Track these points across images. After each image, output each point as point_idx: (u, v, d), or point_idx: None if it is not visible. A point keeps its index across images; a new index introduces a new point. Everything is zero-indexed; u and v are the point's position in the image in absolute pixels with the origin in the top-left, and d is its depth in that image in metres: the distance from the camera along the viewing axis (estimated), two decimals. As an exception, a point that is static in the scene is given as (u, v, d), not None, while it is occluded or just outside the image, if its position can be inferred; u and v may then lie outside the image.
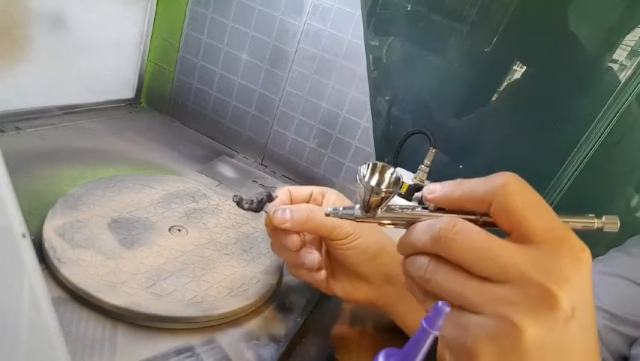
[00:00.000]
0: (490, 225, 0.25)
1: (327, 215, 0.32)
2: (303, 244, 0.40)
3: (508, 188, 0.24)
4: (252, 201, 0.38)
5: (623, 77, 0.54)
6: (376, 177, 0.28)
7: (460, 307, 0.24)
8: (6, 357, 0.20)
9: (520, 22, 0.57)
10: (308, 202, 0.42)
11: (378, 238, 0.41)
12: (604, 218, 0.26)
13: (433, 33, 0.62)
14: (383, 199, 0.28)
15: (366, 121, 0.67)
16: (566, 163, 0.59)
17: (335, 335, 0.45)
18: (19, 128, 0.56)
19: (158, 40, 0.75)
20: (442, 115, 0.65)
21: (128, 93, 0.78)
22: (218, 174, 0.67)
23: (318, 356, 0.41)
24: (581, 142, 0.57)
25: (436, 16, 0.61)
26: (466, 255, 0.24)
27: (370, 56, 0.64)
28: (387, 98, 0.67)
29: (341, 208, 0.31)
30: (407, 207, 0.29)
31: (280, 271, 0.47)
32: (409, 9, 0.62)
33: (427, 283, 0.25)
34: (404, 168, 0.61)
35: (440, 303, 0.26)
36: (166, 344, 0.35)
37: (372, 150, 0.68)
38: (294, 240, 0.39)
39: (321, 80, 0.68)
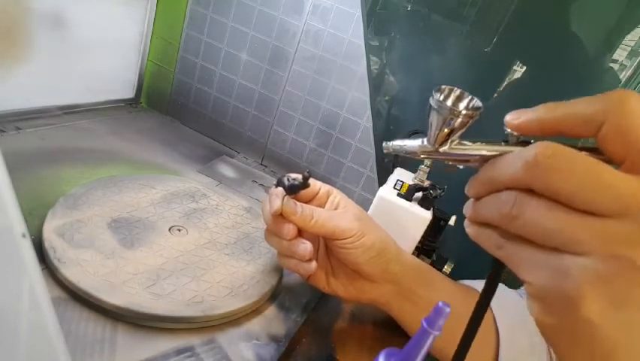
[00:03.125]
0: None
1: (386, 149, 0.28)
2: (298, 235, 0.40)
3: (628, 105, 0.19)
4: (295, 179, 0.38)
5: (623, 77, 0.54)
6: (451, 100, 0.24)
7: (556, 248, 0.20)
8: (6, 357, 0.20)
9: (520, 22, 0.57)
10: (313, 198, 0.43)
11: (382, 236, 0.41)
12: None
13: (433, 33, 0.62)
14: (455, 129, 0.23)
15: (366, 121, 0.67)
16: (566, 163, 0.58)
17: (335, 335, 0.45)
18: (19, 128, 0.56)
19: (158, 40, 0.75)
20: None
21: (128, 93, 0.78)
22: (218, 174, 0.67)
23: (318, 356, 0.41)
24: (581, 142, 0.57)
25: (436, 16, 0.61)
26: (570, 183, 0.19)
27: (370, 56, 0.64)
28: (387, 98, 0.67)
29: (402, 142, 0.27)
30: (480, 141, 0.24)
31: (280, 271, 0.47)
32: (409, 9, 0.62)
33: (514, 220, 0.21)
34: (404, 168, 0.61)
35: (440, 303, 0.26)
36: (166, 344, 0.35)
37: (372, 150, 0.68)
38: (290, 228, 0.39)
39: (321, 80, 0.68)
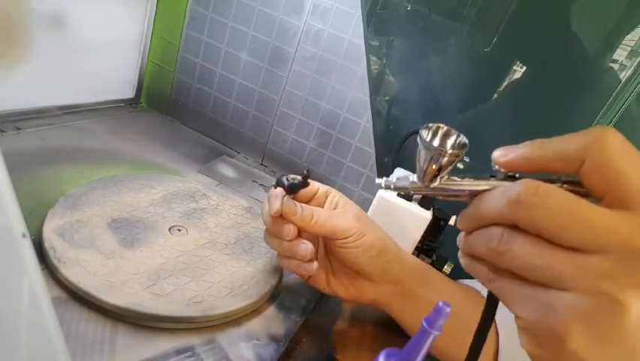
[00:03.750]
0: (573, 192, 0.21)
1: (379, 186, 0.29)
2: (298, 236, 0.40)
3: (607, 143, 0.20)
4: (294, 178, 0.38)
5: (623, 77, 0.54)
6: (438, 140, 0.24)
7: (542, 283, 0.21)
8: (6, 357, 0.20)
9: (520, 22, 0.57)
10: (312, 198, 0.43)
11: (381, 235, 0.41)
12: None
13: (433, 33, 0.62)
14: (443, 166, 0.24)
15: (366, 121, 0.67)
16: (566, 163, 0.58)
17: (335, 335, 0.45)
18: (19, 128, 0.56)
19: (158, 40, 0.75)
20: (443, 115, 0.65)
21: (128, 93, 0.78)
22: (218, 174, 0.67)
23: (318, 356, 0.41)
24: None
25: (436, 16, 0.61)
26: (552, 221, 0.20)
27: (370, 56, 0.64)
28: (387, 98, 0.67)
29: (394, 179, 0.28)
30: (469, 177, 0.25)
31: (280, 271, 0.47)
32: (409, 9, 0.62)
33: (501, 256, 0.22)
34: (404, 168, 0.61)
35: (440, 303, 0.26)
36: (166, 344, 0.35)
37: (372, 150, 0.68)
38: (291, 229, 0.39)
39: (321, 80, 0.68)
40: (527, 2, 0.56)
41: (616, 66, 0.54)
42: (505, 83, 0.60)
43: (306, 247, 0.39)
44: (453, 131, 0.25)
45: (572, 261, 0.20)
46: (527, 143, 0.23)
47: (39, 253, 0.37)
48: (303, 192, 0.41)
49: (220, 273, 0.43)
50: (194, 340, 0.36)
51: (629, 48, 0.53)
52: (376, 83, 0.66)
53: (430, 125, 0.25)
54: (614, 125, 0.55)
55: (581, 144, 0.21)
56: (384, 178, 0.28)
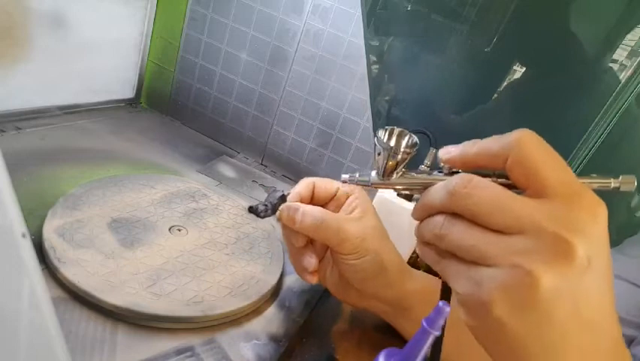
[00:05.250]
0: (505, 186, 0.25)
1: (344, 182, 0.32)
2: (309, 243, 0.40)
3: (524, 142, 0.24)
4: (266, 206, 0.38)
5: (623, 77, 0.54)
6: (394, 140, 0.28)
7: (473, 262, 0.24)
8: (6, 357, 0.20)
9: (520, 22, 0.57)
10: (331, 200, 0.42)
11: (380, 260, 0.39)
12: (620, 178, 0.26)
13: (433, 33, 0.62)
14: (399, 163, 0.28)
15: (366, 121, 0.67)
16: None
17: (335, 335, 0.45)
18: (19, 128, 0.56)
19: (158, 40, 0.75)
20: (443, 115, 0.65)
21: (128, 93, 0.78)
22: (218, 174, 0.67)
23: (318, 356, 0.41)
24: (581, 142, 0.57)
25: (436, 16, 0.61)
26: (481, 208, 0.23)
27: (370, 56, 0.64)
28: (387, 98, 0.67)
29: (357, 175, 0.31)
30: (423, 172, 0.29)
31: (280, 271, 0.47)
32: (409, 9, 0.62)
33: (442, 240, 0.25)
34: (404, 168, 0.61)
35: (440, 303, 0.26)
36: (166, 344, 0.35)
37: (372, 150, 0.68)
38: (299, 238, 0.39)
39: (321, 80, 0.68)
40: (527, 2, 0.56)
41: (616, 66, 0.54)
42: (505, 83, 0.60)
43: (310, 261, 0.40)
44: (406, 132, 0.29)
45: (498, 241, 0.23)
46: (465, 142, 0.27)
47: (39, 253, 0.37)
48: (322, 192, 0.41)
49: (220, 273, 0.43)
50: (194, 340, 0.36)
51: (629, 48, 0.53)
52: (376, 83, 0.66)
53: (387, 127, 0.29)
54: (614, 126, 0.55)
55: (504, 143, 0.24)
56: (349, 174, 0.32)
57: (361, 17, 0.62)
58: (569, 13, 0.55)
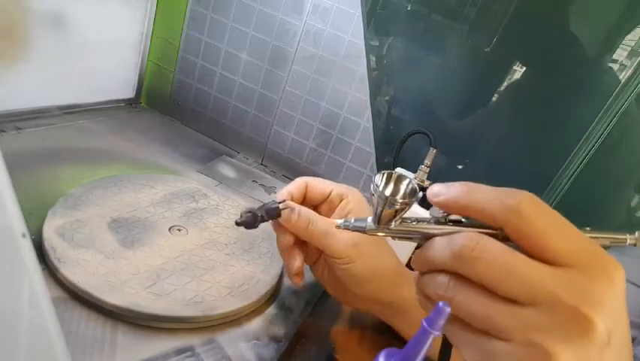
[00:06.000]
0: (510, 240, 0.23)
1: (338, 227, 0.30)
2: (297, 244, 0.40)
3: (523, 213, 0.22)
4: (255, 216, 0.38)
5: (623, 77, 0.54)
6: (391, 186, 0.26)
7: (484, 331, 0.22)
8: (6, 357, 0.20)
9: (520, 22, 0.57)
10: (324, 202, 0.41)
11: (374, 265, 0.39)
12: (636, 233, 0.24)
13: (433, 33, 0.62)
14: (397, 211, 0.26)
15: (366, 121, 0.67)
16: (566, 163, 0.58)
17: (335, 335, 0.45)
18: (19, 128, 0.56)
19: (158, 40, 0.75)
20: (443, 115, 0.65)
21: (128, 93, 0.78)
22: (218, 174, 0.67)
23: (318, 356, 0.41)
24: (581, 142, 0.57)
25: (436, 16, 0.61)
26: (490, 275, 0.22)
27: (370, 56, 0.64)
28: (387, 98, 0.67)
29: (352, 220, 0.29)
30: (423, 220, 0.27)
31: (280, 271, 0.47)
32: (409, 9, 0.62)
33: (448, 302, 0.23)
34: (404, 168, 0.61)
35: (441, 303, 0.26)
36: (166, 344, 0.35)
37: (372, 150, 0.68)
38: (287, 237, 0.39)
39: (321, 80, 0.68)
40: (527, 2, 0.56)
41: (616, 66, 0.54)
42: (505, 83, 0.60)
43: (294, 263, 0.39)
44: (404, 177, 0.26)
45: (509, 312, 0.21)
46: (458, 185, 0.24)
47: (39, 253, 0.37)
48: (315, 192, 0.40)
49: (220, 273, 0.43)
50: (194, 340, 0.36)
51: (629, 48, 0.53)
52: (376, 83, 0.66)
53: (384, 171, 0.26)
54: (614, 126, 0.55)
55: (500, 209, 0.22)
56: (344, 219, 0.30)
57: (361, 17, 0.62)
58: (569, 13, 0.55)
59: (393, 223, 0.27)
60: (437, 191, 0.25)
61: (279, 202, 0.38)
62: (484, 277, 0.22)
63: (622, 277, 0.21)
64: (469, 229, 0.24)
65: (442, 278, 0.24)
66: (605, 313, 0.20)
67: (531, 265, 0.21)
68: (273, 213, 0.38)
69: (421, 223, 0.26)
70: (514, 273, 0.21)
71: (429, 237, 0.26)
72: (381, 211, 0.26)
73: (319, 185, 0.41)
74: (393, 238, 0.28)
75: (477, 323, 0.22)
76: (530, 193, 0.22)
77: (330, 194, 0.41)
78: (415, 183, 0.26)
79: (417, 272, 0.27)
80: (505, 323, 0.21)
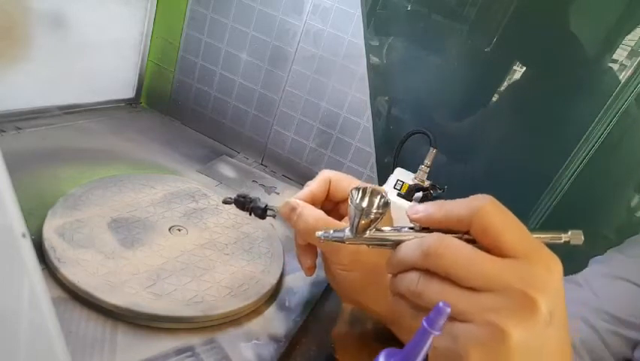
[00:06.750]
0: (472, 242, 0.27)
1: (319, 238, 0.32)
2: (309, 244, 0.40)
3: (485, 211, 0.26)
4: (244, 199, 0.39)
5: (623, 77, 0.54)
6: (367, 200, 0.30)
7: (450, 318, 0.25)
8: (6, 357, 0.20)
9: (520, 22, 0.57)
10: (346, 200, 0.41)
11: (372, 275, 0.39)
12: (569, 232, 0.28)
13: (433, 33, 0.62)
14: (372, 221, 0.29)
15: (366, 121, 0.67)
16: (566, 163, 0.58)
17: (335, 335, 0.45)
18: (19, 128, 0.56)
19: (158, 40, 0.75)
20: (443, 115, 0.65)
21: (128, 93, 0.78)
22: (218, 174, 0.66)
23: (318, 356, 0.41)
24: (581, 142, 0.57)
25: (436, 16, 0.61)
26: (455, 268, 0.25)
27: (370, 55, 0.64)
28: (387, 98, 0.67)
29: (332, 231, 0.32)
30: (395, 228, 0.30)
31: (280, 271, 0.47)
32: (409, 9, 0.62)
33: (418, 296, 0.27)
34: (404, 168, 0.61)
35: (441, 303, 0.26)
36: (166, 344, 0.35)
37: (372, 150, 0.68)
38: (297, 236, 0.40)
39: (321, 80, 0.68)
40: (527, 2, 0.56)
41: (616, 66, 0.54)
42: (505, 83, 0.60)
43: (306, 260, 0.41)
44: (379, 191, 0.30)
45: (470, 298, 0.25)
46: (432, 204, 0.28)
47: (39, 253, 0.37)
48: (337, 190, 0.41)
49: (220, 273, 0.43)
50: (194, 340, 0.36)
51: (629, 48, 0.53)
52: (376, 83, 0.66)
53: (360, 186, 0.30)
54: (614, 126, 0.55)
55: (467, 211, 0.26)
56: (324, 230, 0.32)
57: (361, 17, 0.62)
58: (569, 13, 0.56)
59: (368, 232, 0.30)
60: (416, 209, 0.29)
61: (270, 207, 0.41)
62: (449, 270, 0.26)
63: (559, 267, 0.25)
64: (438, 233, 0.28)
65: (413, 275, 0.27)
66: (546, 296, 0.24)
67: (487, 258, 0.25)
68: (258, 213, 0.41)
69: (393, 231, 0.30)
70: (474, 265, 0.25)
71: (400, 243, 0.29)
72: (358, 222, 0.29)
73: (342, 183, 0.41)
74: (369, 245, 0.31)
75: None
76: (493, 197, 0.26)
77: (338, 203, 0.41)
78: (387, 198, 0.30)
79: (390, 276, 0.30)
80: (466, 308, 0.25)
